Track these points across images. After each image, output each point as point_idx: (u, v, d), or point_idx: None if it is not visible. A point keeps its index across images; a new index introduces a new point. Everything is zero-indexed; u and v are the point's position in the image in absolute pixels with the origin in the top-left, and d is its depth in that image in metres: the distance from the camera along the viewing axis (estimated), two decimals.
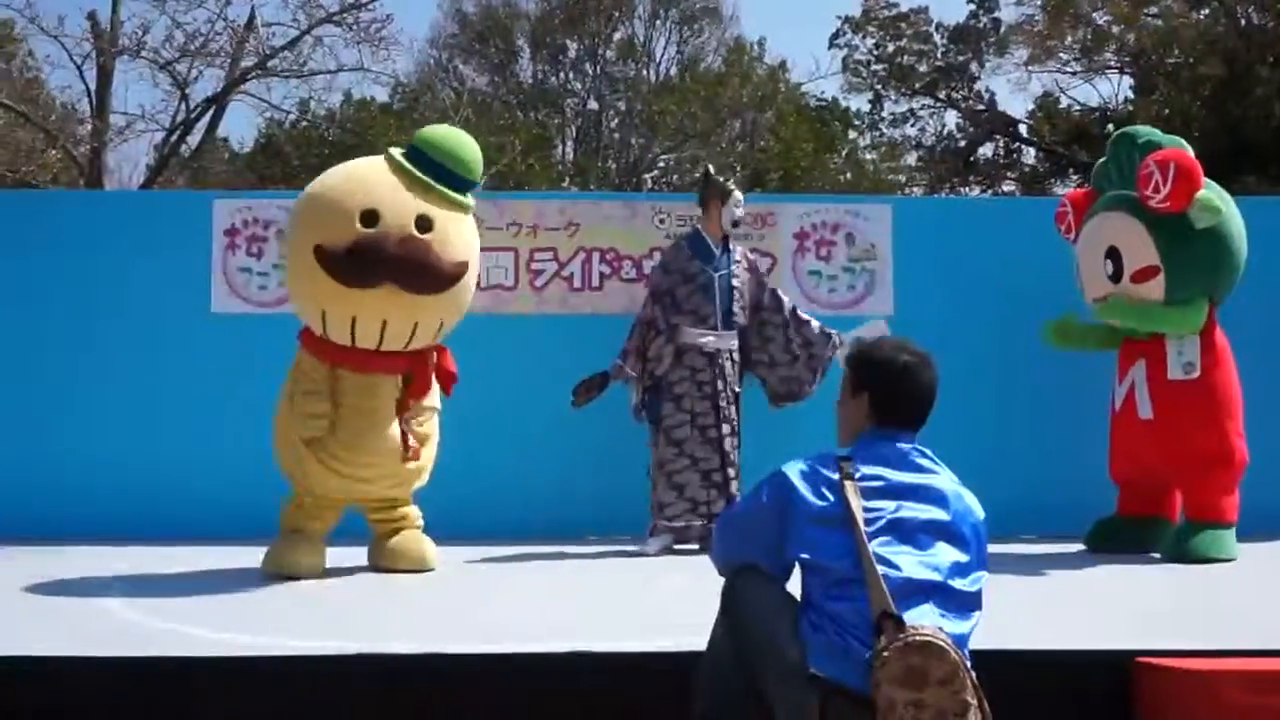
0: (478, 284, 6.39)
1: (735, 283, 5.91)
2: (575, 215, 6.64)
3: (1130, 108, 22.31)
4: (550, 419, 6.24)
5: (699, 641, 2.82)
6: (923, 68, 25.50)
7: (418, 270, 4.59)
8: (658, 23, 24.82)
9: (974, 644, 2.59)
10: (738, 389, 5.90)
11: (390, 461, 4.80)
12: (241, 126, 68.29)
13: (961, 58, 25.26)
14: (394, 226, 4.58)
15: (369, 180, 4.73)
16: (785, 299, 6.07)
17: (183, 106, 18.58)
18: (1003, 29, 24.59)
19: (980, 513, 2.73)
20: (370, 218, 4.58)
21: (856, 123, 27.08)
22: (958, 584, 2.58)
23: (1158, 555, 5.45)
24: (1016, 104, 45.69)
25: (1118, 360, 5.73)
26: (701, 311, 5.83)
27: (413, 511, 5.12)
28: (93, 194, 13.51)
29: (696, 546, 5.64)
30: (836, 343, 5.87)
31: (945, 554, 2.60)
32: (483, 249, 6.46)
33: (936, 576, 2.56)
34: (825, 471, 2.66)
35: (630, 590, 4.74)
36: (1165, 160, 5.23)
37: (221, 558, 5.20)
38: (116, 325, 6.39)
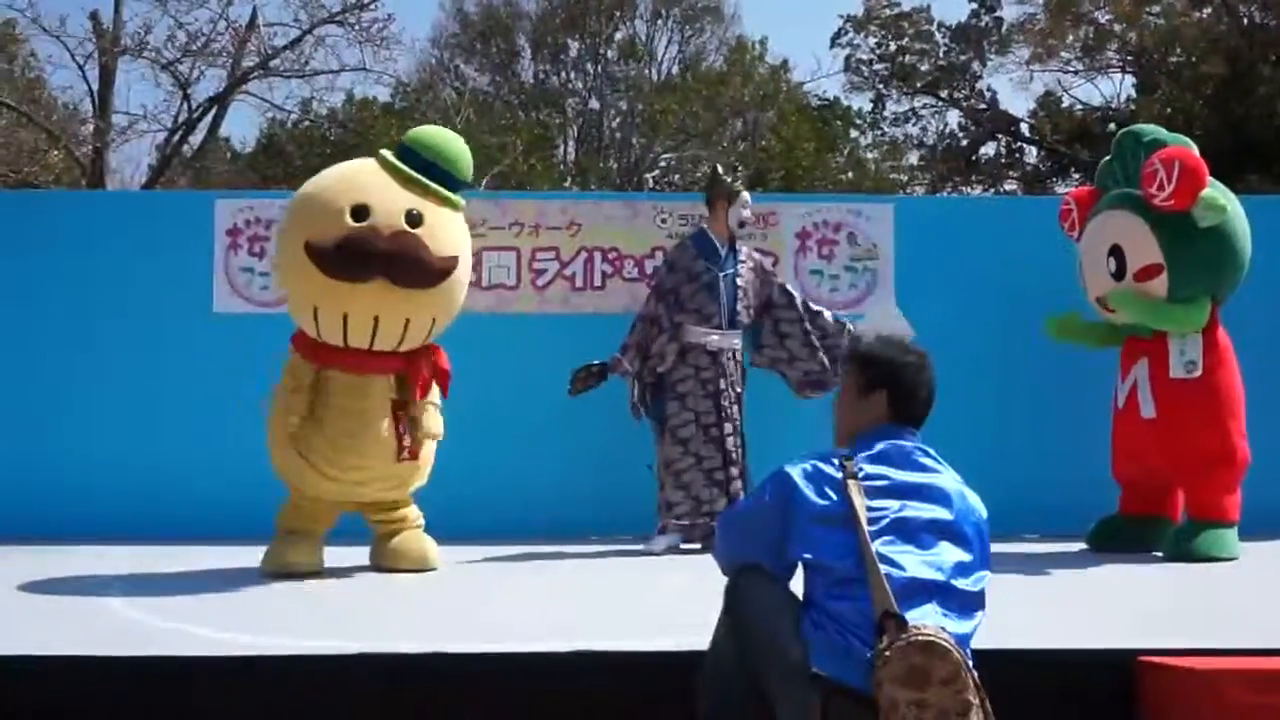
0: (480, 284, 6.49)
1: (740, 282, 5.91)
2: (577, 215, 6.64)
3: (1132, 107, 22.30)
4: (552, 418, 6.24)
5: (701, 641, 2.82)
6: (924, 67, 25.49)
7: (408, 264, 4.60)
8: (659, 22, 24.84)
9: (976, 643, 2.59)
10: (740, 389, 5.90)
11: (383, 463, 4.79)
12: (243, 126, 68.39)
13: (963, 57, 25.25)
14: (384, 221, 4.59)
15: (359, 178, 4.75)
16: (795, 293, 6.07)
17: (185, 106, 18.64)
18: (1004, 28, 24.59)
19: (983, 512, 2.73)
20: (360, 213, 4.59)
21: (858, 122, 27.07)
22: (960, 584, 2.58)
23: (1160, 554, 5.44)
24: (1018, 103, 45.59)
25: (1120, 359, 5.72)
26: (706, 310, 5.83)
27: (412, 512, 5.11)
28: (95, 194, 13.52)
29: (700, 546, 5.64)
30: (851, 331, 5.88)
31: (948, 553, 2.60)
32: (485, 248, 6.54)
33: (939, 576, 2.55)
34: (828, 470, 2.66)
35: (632, 589, 4.74)
36: (1170, 158, 5.23)
37: (222, 557, 5.20)
38: (118, 325, 6.40)
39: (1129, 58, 23.18)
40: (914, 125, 26.51)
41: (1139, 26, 22.23)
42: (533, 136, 22.13)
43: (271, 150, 23.40)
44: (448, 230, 4.82)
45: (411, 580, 4.84)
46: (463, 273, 4.92)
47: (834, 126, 26.35)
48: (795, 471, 2.67)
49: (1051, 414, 6.42)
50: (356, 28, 18.42)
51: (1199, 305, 5.42)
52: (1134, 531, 5.65)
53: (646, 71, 24.65)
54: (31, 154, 17.74)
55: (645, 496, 5.83)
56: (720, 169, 6.45)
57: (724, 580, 2.77)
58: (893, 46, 25.46)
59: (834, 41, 25.62)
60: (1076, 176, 23.19)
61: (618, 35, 24.40)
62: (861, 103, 26.64)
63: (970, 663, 2.41)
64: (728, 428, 5.77)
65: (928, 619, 2.46)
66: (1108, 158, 5.85)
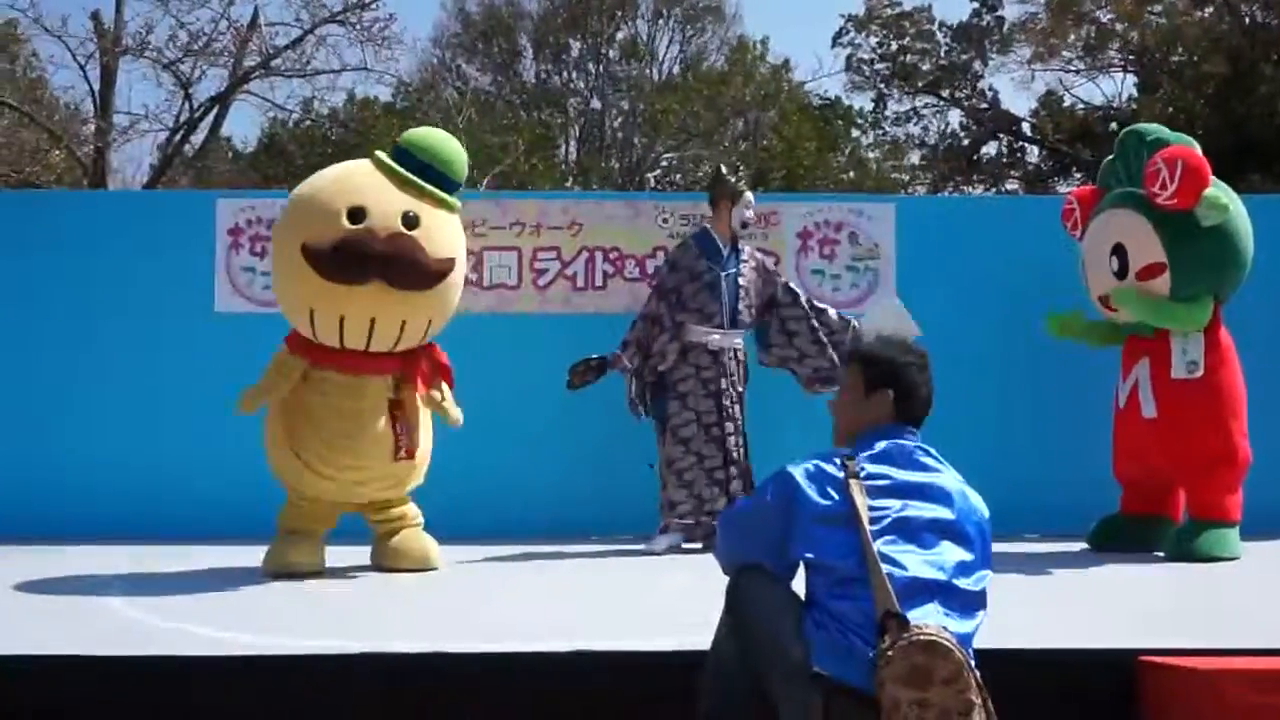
0: (481, 283, 6.49)
1: (742, 282, 5.91)
2: (578, 215, 6.64)
3: (1134, 106, 22.29)
4: (553, 418, 6.24)
5: (703, 641, 2.81)
6: (926, 66, 25.49)
7: (405, 266, 4.60)
8: (660, 22, 24.85)
9: (978, 643, 2.59)
10: (742, 388, 5.90)
11: (380, 463, 4.80)
12: (245, 126, 68.47)
13: (965, 56, 25.24)
14: (380, 223, 4.59)
15: (354, 180, 4.74)
16: (799, 291, 6.07)
17: (186, 106, 18.64)
18: (1006, 27, 24.59)
19: (985, 511, 2.72)
20: (357, 215, 4.59)
21: (860, 121, 27.07)
22: (962, 583, 2.58)
23: (1161, 554, 5.43)
24: (1020, 102, 45.65)
25: (1121, 358, 5.72)
26: (707, 310, 5.83)
27: (411, 510, 5.12)
28: (96, 194, 13.52)
29: (701, 545, 5.64)
30: (857, 328, 5.87)
31: (950, 553, 2.59)
32: (486, 248, 6.54)
33: (941, 576, 2.55)
34: (830, 470, 2.65)
35: (633, 589, 4.73)
36: (1173, 157, 5.22)
37: (223, 557, 5.20)
38: (120, 325, 6.40)
39: (1130, 57, 23.17)
40: (915, 125, 26.53)
41: (1140, 26, 22.22)
42: (534, 136, 22.14)
43: (273, 150, 23.42)
44: (444, 232, 4.82)
45: (412, 580, 4.84)
46: (458, 274, 4.93)
47: (835, 126, 26.35)
48: (797, 471, 2.66)
49: (1053, 413, 6.42)
50: (358, 27, 18.44)
51: (1201, 304, 5.41)
52: (1135, 531, 5.64)
53: (648, 71, 24.66)
54: (33, 154, 17.75)
55: (646, 496, 5.83)
56: (724, 169, 6.45)
57: (725, 580, 2.77)
58: (894, 46, 25.46)
59: (835, 41, 25.65)
60: (1078, 176, 23.19)
61: (619, 35, 24.41)
62: (863, 102, 26.68)
63: (972, 662, 2.41)
64: (729, 427, 5.77)
65: (929, 618, 2.46)
66: (1110, 157, 5.85)
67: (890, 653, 2.37)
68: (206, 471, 6.17)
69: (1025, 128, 25.44)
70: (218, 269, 6.48)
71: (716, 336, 5.82)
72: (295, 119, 22.51)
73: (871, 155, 27.09)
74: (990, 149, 26.41)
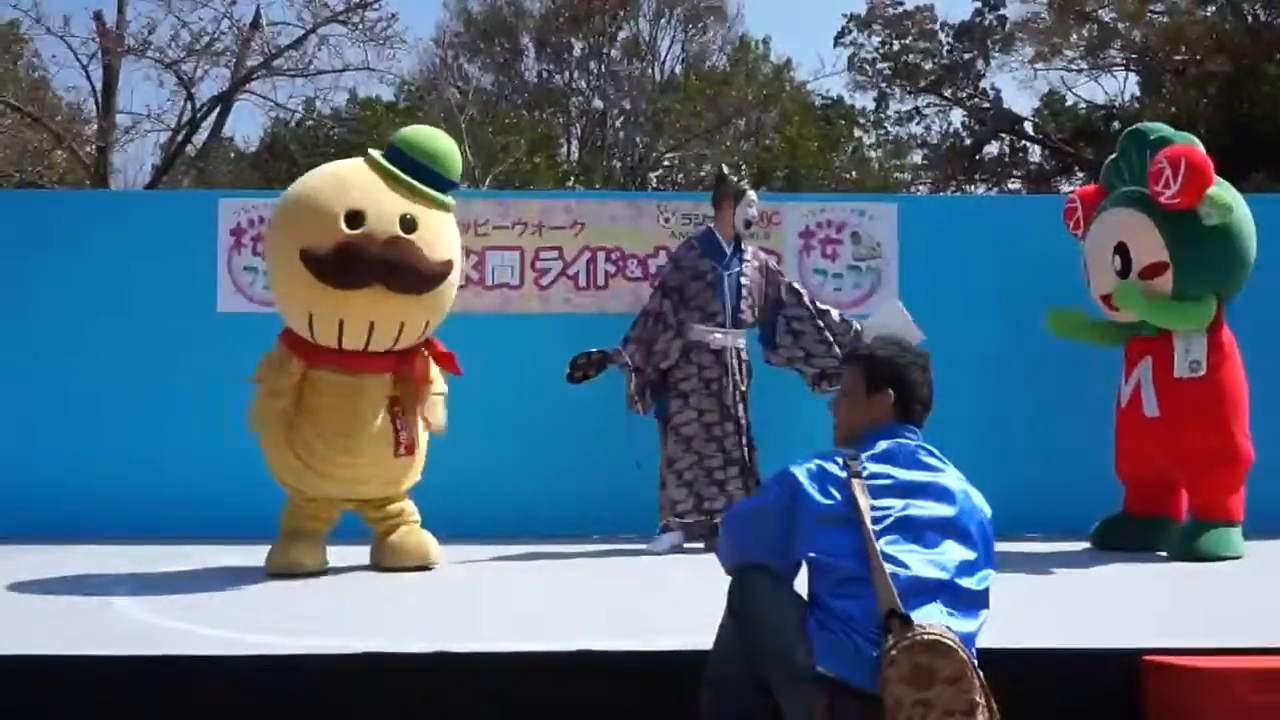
0: (483, 283, 6.50)
1: (745, 281, 5.91)
2: (580, 214, 6.64)
3: (1137, 105, 22.28)
4: (556, 417, 6.24)
5: (705, 641, 2.81)
6: (928, 66, 25.47)
7: (405, 271, 4.61)
8: (662, 21, 24.82)
9: (981, 642, 2.59)
10: (745, 387, 5.89)
11: (379, 460, 4.80)
12: (247, 126, 68.52)
13: (967, 55, 25.23)
14: (379, 227, 4.59)
15: (351, 181, 4.72)
16: (803, 291, 6.06)
17: (188, 106, 18.64)
18: (1008, 26, 24.56)
19: (987, 510, 2.72)
20: (355, 219, 4.58)
21: (862, 121, 27.07)
22: (965, 582, 2.57)
23: (1164, 554, 5.43)
24: (1022, 102, 45.64)
25: (1124, 357, 5.71)
26: (709, 309, 5.83)
27: (409, 508, 5.12)
28: (98, 194, 13.52)
29: (702, 545, 5.64)
30: (857, 329, 5.87)
31: (953, 552, 2.59)
32: (488, 248, 6.54)
33: (944, 575, 2.55)
34: (832, 470, 2.65)
35: (635, 589, 4.73)
36: (1176, 156, 5.22)
37: (224, 557, 5.21)
38: (122, 325, 6.40)
39: (1133, 56, 23.15)
40: (918, 124, 26.53)
41: (1143, 25, 22.19)
42: (536, 136, 22.14)
43: (275, 150, 23.42)
44: (441, 234, 4.82)
45: (413, 580, 4.84)
46: (456, 275, 4.94)
47: (837, 125, 26.35)
48: (800, 471, 2.66)
49: (1056, 413, 6.42)
50: (360, 27, 18.44)
51: (1204, 304, 5.40)
52: (1138, 531, 5.64)
53: (650, 71, 24.64)
54: (35, 154, 17.77)
55: (648, 496, 5.83)
56: (726, 169, 6.46)
57: (727, 580, 2.77)
58: (896, 45, 25.45)
59: (837, 40, 25.64)
60: (1080, 175, 23.17)
61: (621, 35, 24.39)
62: (865, 102, 26.68)
63: (975, 662, 2.41)
64: (729, 426, 5.77)
65: (932, 618, 2.46)
66: (1113, 156, 5.84)
67: (893, 652, 2.37)
68: (208, 471, 6.17)
69: (1028, 127, 25.43)
70: (220, 269, 6.48)
71: (719, 335, 5.82)
72: (297, 119, 22.53)
73: (874, 155, 27.09)
74: (992, 148, 26.41)
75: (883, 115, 26.61)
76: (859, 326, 5.89)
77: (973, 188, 25.50)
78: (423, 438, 5.00)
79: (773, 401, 6.02)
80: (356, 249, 4.54)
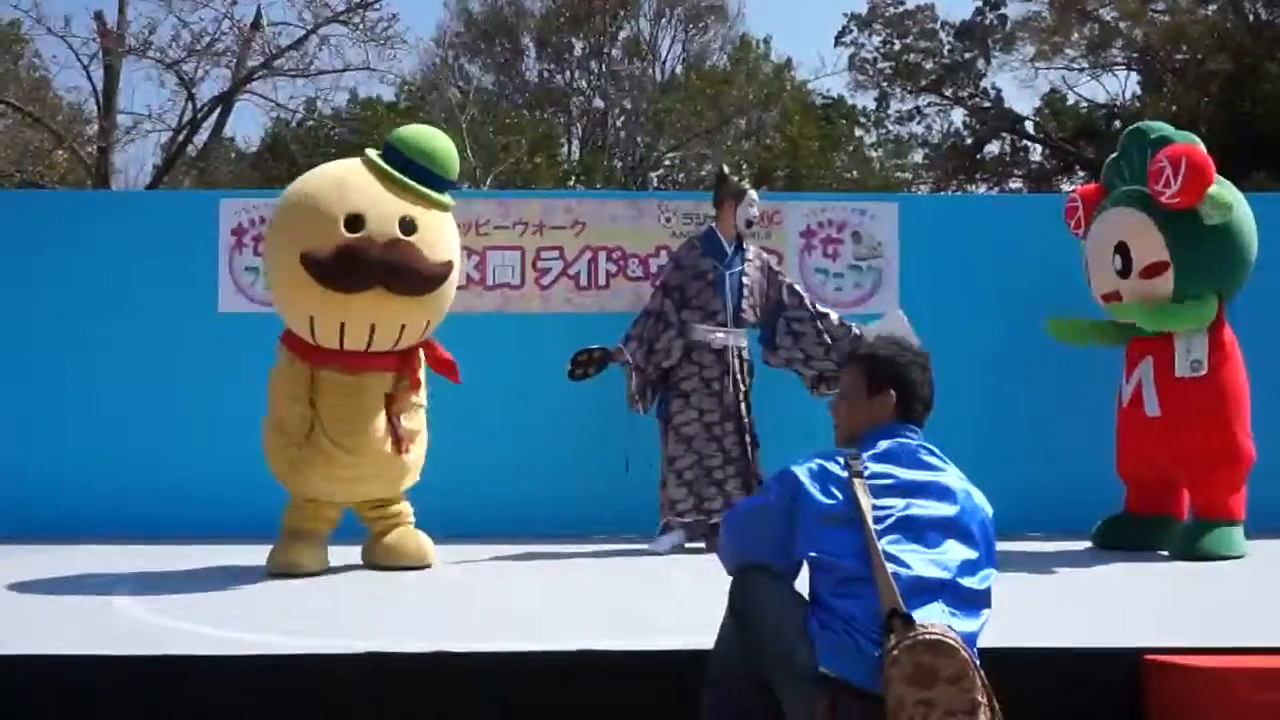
0: (484, 283, 6.50)
1: (746, 280, 5.90)
2: (581, 214, 6.64)
3: (1138, 104, 22.28)
4: (557, 417, 6.24)
5: (706, 641, 2.81)
6: (929, 65, 25.48)
7: (405, 273, 4.61)
8: (663, 21, 24.83)
9: (983, 642, 2.58)
10: (746, 386, 5.89)
11: (380, 459, 4.81)
12: (248, 126, 68.52)
13: (968, 55, 25.23)
14: (379, 230, 4.59)
15: (349, 184, 4.71)
16: (803, 293, 6.06)
17: (189, 106, 18.64)
18: (1009, 26, 24.57)
19: (988, 510, 2.72)
20: (355, 222, 4.58)
21: (863, 120, 27.06)
22: (967, 582, 2.57)
23: (1166, 553, 5.42)
24: (1023, 101, 45.64)
25: (1125, 357, 5.71)
26: (711, 308, 5.82)
27: (406, 508, 5.12)
28: (99, 194, 13.53)
29: (703, 544, 5.64)
30: (856, 334, 5.86)
31: (955, 551, 2.59)
32: (489, 248, 6.54)
33: (945, 574, 2.54)
34: (834, 469, 2.65)
35: (636, 589, 4.73)
36: (1176, 155, 5.21)
37: (224, 557, 5.20)
38: (123, 325, 6.40)
39: (1134, 55, 23.14)
40: (918, 123, 26.54)
41: (1144, 23, 22.19)
42: (537, 135, 22.13)
43: (276, 150, 23.41)
44: (441, 235, 4.82)
45: (413, 580, 4.83)
46: (456, 273, 4.94)
47: (838, 125, 26.36)
48: (801, 471, 2.66)
49: (1057, 412, 6.41)
50: (361, 27, 18.44)
51: (1206, 303, 5.40)
52: (1140, 530, 5.63)
53: (651, 70, 24.65)
54: (36, 154, 17.77)
55: (648, 496, 5.82)
56: (727, 169, 6.46)
57: (728, 579, 2.76)
58: (897, 45, 25.46)
59: (838, 40, 25.66)
60: (1082, 174, 23.19)
61: (622, 34, 24.39)
62: (866, 101, 26.69)
63: (977, 661, 2.41)
64: (729, 426, 5.76)
65: (934, 617, 2.45)
66: (1114, 155, 5.84)
67: (895, 652, 2.37)
68: (208, 472, 6.17)
69: (1029, 126, 25.44)
70: (221, 269, 6.48)
71: (720, 335, 5.82)
72: (298, 119, 22.53)
73: (875, 154, 27.09)
74: (994, 148, 26.42)
75: (884, 115, 26.63)
76: (858, 330, 5.88)
77: (974, 187, 25.51)
78: (422, 438, 5.00)
79: (773, 401, 6.01)
80: (357, 252, 4.54)
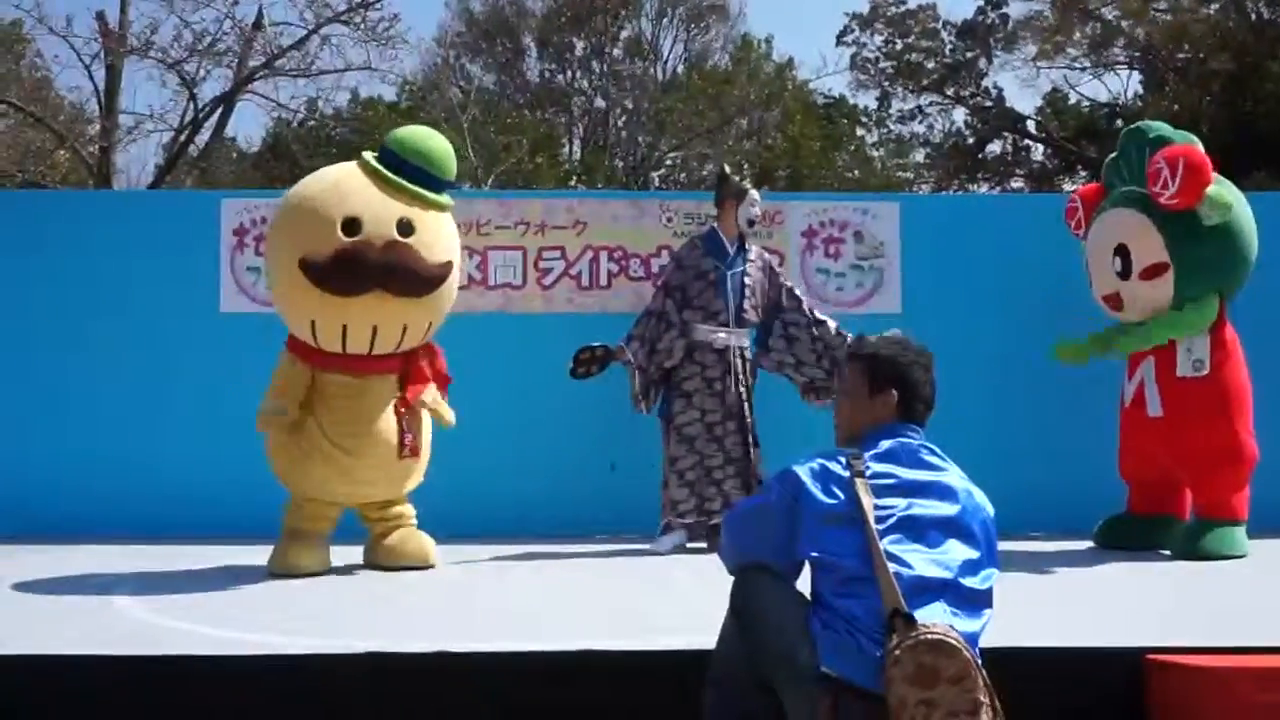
0: (486, 283, 6.49)
1: (747, 280, 5.90)
2: (583, 214, 6.64)
3: (1140, 103, 22.27)
4: (558, 417, 6.24)
5: (707, 641, 2.81)
6: (930, 65, 25.49)
7: (404, 275, 4.61)
8: (664, 21, 24.83)
9: (985, 642, 2.58)
10: (748, 385, 5.88)
11: (385, 461, 4.81)
12: (249, 126, 68.56)
13: (969, 54, 25.23)
14: (376, 232, 4.59)
15: (346, 187, 4.71)
16: (803, 298, 6.05)
17: (191, 106, 18.64)
18: (1011, 25, 24.57)
19: (990, 509, 2.71)
20: (352, 226, 4.58)
21: (864, 120, 27.07)
22: (969, 582, 2.57)
23: (1168, 553, 5.42)
24: (1025, 100, 45.59)
25: (1127, 357, 5.70)
26: (712, 308, 5.82)
27: (408, 509, 5.12)
28: (100, 194, 13.54)
29: (705, 544, 5.63)
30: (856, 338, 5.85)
31: (956, 551, 2.59)
32: (490, 247, 6.54)
33: (947, 574, 2.54)
34: (835, 469, 2.64)
35: (637, 589, 4.72)
36: (1174, 156, 5.20)
37: (225, 557, 5.20)
38: (124, 325, 6.39)
39: (1136, 54, 23.14)
40: (920, 123, 26.56)
41: (1146, 22, 22.18)
42: (538, 135, 22.14)
43: (277, 150, 23.42)
44: (439, 236, 4.82)
45: (414, 580, 4.83)
46: (456, 273, 4.94)
47: (840, 124, 26.36)
48: (802, 470, 2.65)
49: (1059, 412, 6.40)
50: (362, 27, 18.45)
51: (1206, 304, 5.39)
52: (1142, 530, 5.63)
53: (652, 70, 24.65)
54: (38, 154, 17.78)
55: (650, 496, 5.82)
56: (728, 168, 6.45)
57: (729, 579, 2.76)
58: (899, 44, 25.47)
59: (840, 39, 25.69)
60: (1083, 174, 23.19)
61: (623, 34, 24.39)
62: (867, 100, 26.70)
63: (979, 661, 2.40)
64: (731, 425, 5.76)
65: (936, 617, 2.45)
66: (1113, 155, 5.83)
67: (897, 652, 2.36)
68: (208, 471, 6.17)
69: (1030, 125, 25.44)
70: (222, 269, 6.48)
71: (722, 335, 5.82)
72: (300, 119, 22.54)
73: (876, 154, 27.09)
74: (995, 147, 26.43)
75: (885, 114, 26.65)
76: (852, 339, 5.86)
77: (975, 186, 25.51)
78: (427, 440, 5.00)
79: (774, 401, 6.01)
80: (354, 255, 4.54)
